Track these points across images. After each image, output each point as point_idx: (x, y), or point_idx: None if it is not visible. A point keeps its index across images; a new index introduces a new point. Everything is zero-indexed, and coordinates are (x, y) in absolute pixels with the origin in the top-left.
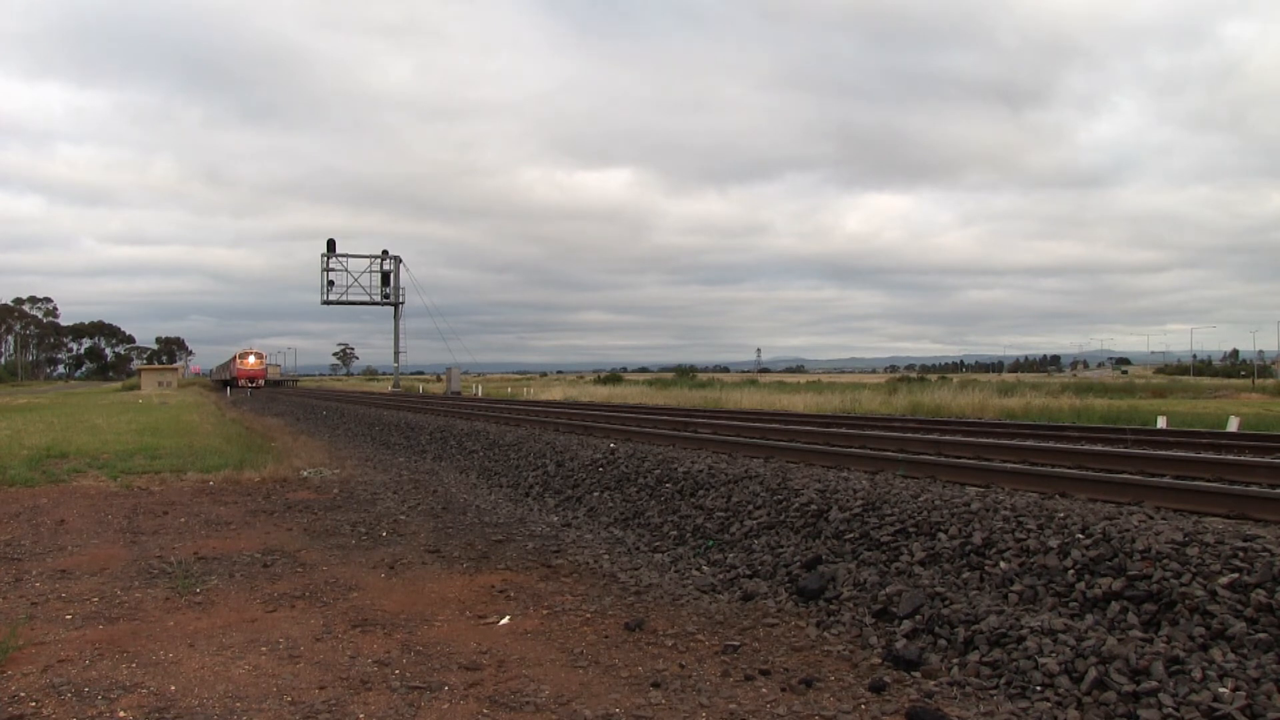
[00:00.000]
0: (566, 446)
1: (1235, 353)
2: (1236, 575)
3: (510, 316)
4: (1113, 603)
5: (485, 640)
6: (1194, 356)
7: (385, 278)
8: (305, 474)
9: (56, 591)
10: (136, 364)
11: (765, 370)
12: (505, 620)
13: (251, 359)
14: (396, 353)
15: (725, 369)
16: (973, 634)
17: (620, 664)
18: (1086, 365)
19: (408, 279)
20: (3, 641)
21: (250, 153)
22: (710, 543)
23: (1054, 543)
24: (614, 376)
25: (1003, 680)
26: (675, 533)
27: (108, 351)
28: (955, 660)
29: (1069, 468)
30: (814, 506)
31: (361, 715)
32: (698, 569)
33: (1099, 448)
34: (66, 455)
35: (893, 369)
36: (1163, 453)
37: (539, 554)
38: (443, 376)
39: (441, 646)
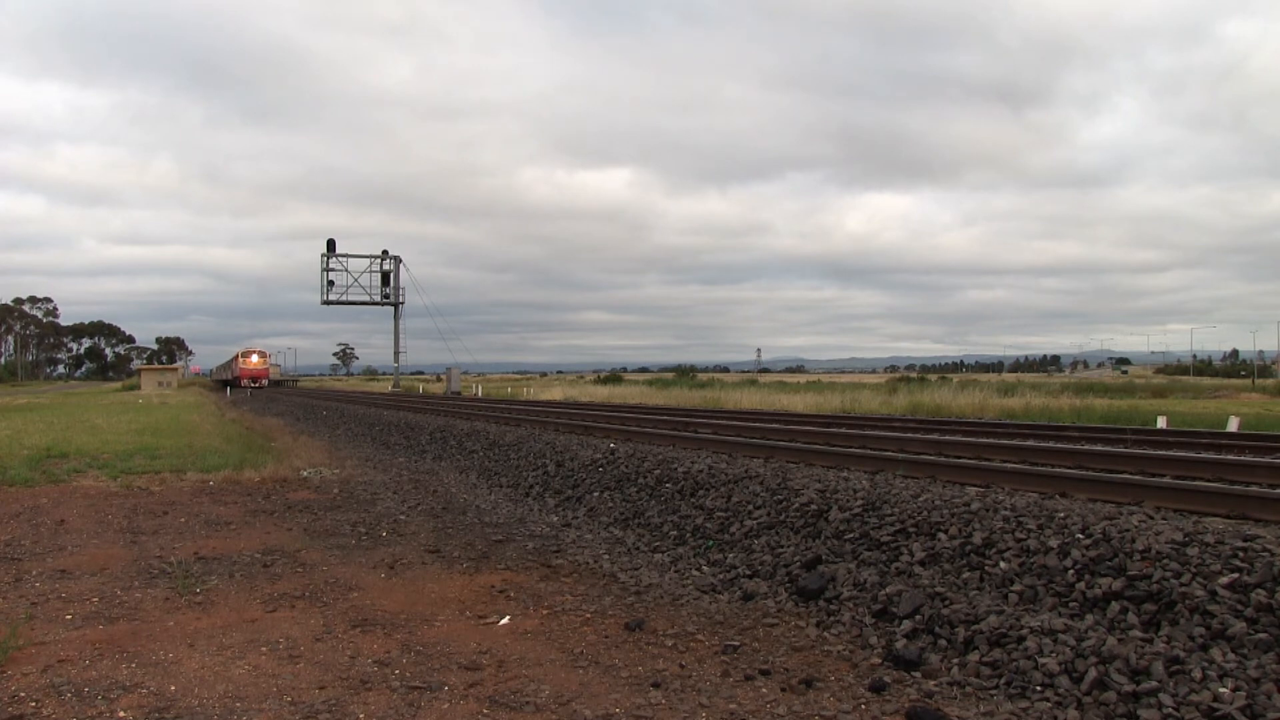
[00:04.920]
0: (566, 446)
1: (1235, 353)
2: (1236, 575)
3: (510, 316)
4: (1113, 603)
5: (485, 640)
6: (1194, 356)
7: (385, 278)
8: (305, 474)
9: (56, 591)
10: (136, 364)
11: (765, 370)
12: (505, 620)
13: (254, 358)
14: (396, 353)
15: (725, 369)
16: (973, 634)
17: (620, 664)
18: (1086, 365)
19: (408, 279)
20: (3, 641)
21: (250, 153)
22: (710, 543)
23: (1054, 543)
24: (614, 376)
25: (1003, 680)
26: (675, 533)
27: (108, 351)
28: (955, 660)
29: (1069, 468)
30: (814, 506)
31: (361, 715)
32: (698, 569)
33: (1099, 448)
34: (66, 455)
35: (893, 369)
36: (1163, 453)
37: (539, 554)
38: (443, 376)
39: (441, 646)
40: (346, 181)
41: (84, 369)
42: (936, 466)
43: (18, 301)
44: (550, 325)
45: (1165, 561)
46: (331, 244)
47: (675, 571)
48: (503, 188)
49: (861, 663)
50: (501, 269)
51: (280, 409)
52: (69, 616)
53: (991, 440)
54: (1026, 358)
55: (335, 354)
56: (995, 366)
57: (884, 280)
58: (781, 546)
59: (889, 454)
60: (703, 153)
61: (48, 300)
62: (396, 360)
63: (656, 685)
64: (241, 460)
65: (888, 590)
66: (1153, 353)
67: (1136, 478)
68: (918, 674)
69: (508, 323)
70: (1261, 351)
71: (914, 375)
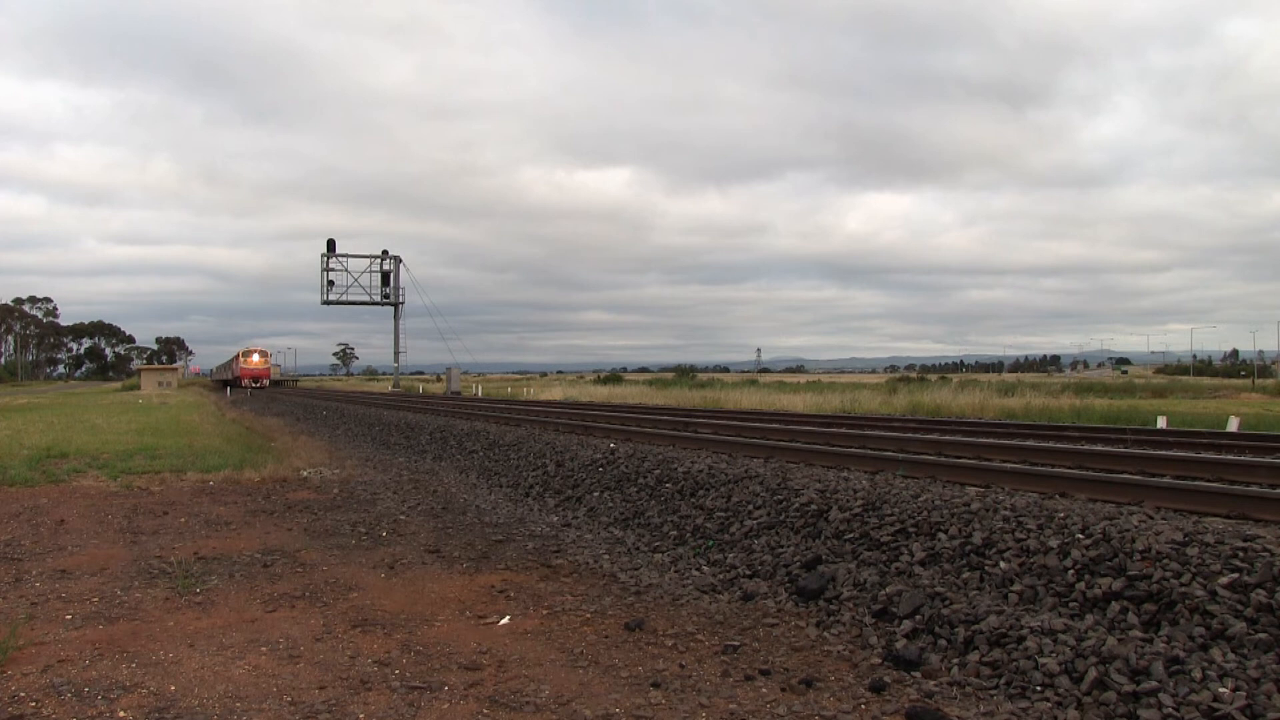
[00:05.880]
0: (566, 446)
1: (1235, 353)
2: (1236, 575)
3: (511, 316)
4: (1113, 603)
5: (485, 640)
6: (1194, 356)
7: (385, 278)
8: (305, 474)
9: (56, 591)
10: (136, 364)
11: (765, 370)
12: (505, 620)
13: (256, 357)
14: (396, 353)
15: (725, 369)
16: (973, 634)
17: (620, 664)
18: (1086, 365)
19: (408, 279)
20: (3, 641)
21: (250, 153)
22: (710, 543)
23: (1054, 543)
24: (614, 376)
25: (1003, 680)
26: (675, 533)
27: (108, 351)
28: (955, 660)
29: (1069, 468)
30: (814, 506)
31: (361, 715)
32: (698, 569)
33: (1099, 448)
34: (66, 455)
35: (893, 369)
36: (1163, 453)
37: (539, 554)
38: (443, 376)
39: (441, 646)
40: (346, 181)
41: (84, 369)
42: (936, 466)
43: (18, 301)
44: (550, 325)
45: (1165, 561)
46: (331, 244)
47: (675, 571)
48: (503, 188)
49: (861, 663)
50: (501, 269)
51: (280, 409)
52: (69, 616)
53: (991, 440)
54: (1026, 358)
55: (335, 354)
56: (995, 366)
57: (884, 280)
58: (781, 546)
59: (889, 454)
60: (703, 153)
61: (48, 300)
62: (396, 360)
63: (656, 685)
64: (241, 460)
65: (888, 590)
66: (1153, 353)
67: (1136, 478)
68: (918, 674)
69: (508, 323)
70: (1261, 351)
71: (914, 375)
